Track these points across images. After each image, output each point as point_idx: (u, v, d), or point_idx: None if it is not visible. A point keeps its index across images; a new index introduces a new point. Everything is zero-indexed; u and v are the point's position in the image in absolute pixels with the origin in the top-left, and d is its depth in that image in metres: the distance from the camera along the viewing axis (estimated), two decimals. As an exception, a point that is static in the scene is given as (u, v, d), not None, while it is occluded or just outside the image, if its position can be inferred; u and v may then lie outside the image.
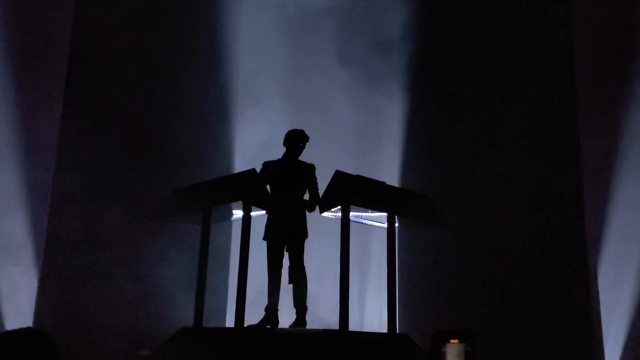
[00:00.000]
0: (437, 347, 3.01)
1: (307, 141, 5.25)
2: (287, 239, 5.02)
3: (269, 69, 7.80)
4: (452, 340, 3.00)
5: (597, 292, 6.59)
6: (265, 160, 5.23)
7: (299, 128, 5.28)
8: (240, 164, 7.37)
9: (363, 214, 5.19)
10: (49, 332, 2.51)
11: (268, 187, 5.09)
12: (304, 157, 5.27)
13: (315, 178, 5.20)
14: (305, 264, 5.05)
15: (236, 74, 7.78)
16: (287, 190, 5.08)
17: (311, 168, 5.20)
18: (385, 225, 5.02)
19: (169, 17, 7.41)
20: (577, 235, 6.71)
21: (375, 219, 5.32)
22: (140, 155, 6.98)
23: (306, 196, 5.16)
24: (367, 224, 5.37)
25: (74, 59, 6.93)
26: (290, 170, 5.13)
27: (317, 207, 5.08)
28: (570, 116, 6.82)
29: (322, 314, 6.54)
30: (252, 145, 7.31)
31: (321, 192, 5.02)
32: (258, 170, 5.02)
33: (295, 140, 5.19)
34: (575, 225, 6.69)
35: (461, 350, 2.98)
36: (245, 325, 4.61)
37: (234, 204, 5.16)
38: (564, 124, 6.85)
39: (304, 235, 5.05)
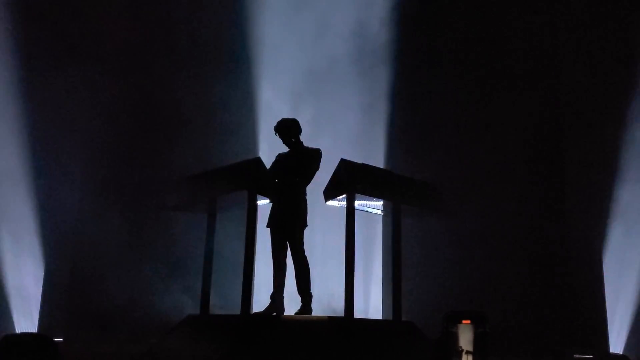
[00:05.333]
0: (449, 328, 2.99)
1: (289, 127, 5.12)
2: (286, 227, 5.02)
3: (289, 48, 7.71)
4: (464, 321, 2.98)
5: (602, 278, 6.62)
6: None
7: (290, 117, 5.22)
8: (265, 148, 7.31)
9: (368, 202, 5.18)
10: (54, 340, 2.56)
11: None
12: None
13: (315, 161, 5.06)
14: (309, 252, 5.06)
15: (260, 55, 7.72)
16: (286, 180, 5.08)
17: (315, 153, 5.09)
18: (382, 212, 5.02)
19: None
20: (579, 224, 6.76)
21: (380, 208, 5.33)
22: (157, 144, 7.01)
23: None
24: (372, 213, 5.37)
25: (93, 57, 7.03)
26: (290, 159, 5.13)
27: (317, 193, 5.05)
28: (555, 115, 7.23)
29: (328, 301, 6.56)
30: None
31: (325, 181, 4.99)
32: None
33: (280, 130, 5.15)
34: (577, 214, 6.75)
35: (473, 331, 2.96)
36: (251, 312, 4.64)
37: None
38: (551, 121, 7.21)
39: (302, 224, 5.03)
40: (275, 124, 5.19)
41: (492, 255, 6.92)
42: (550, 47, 7.44)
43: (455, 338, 2.96)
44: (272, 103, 7.49)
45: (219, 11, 7.67)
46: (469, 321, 2.97)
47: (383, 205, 5.26)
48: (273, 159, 5.26)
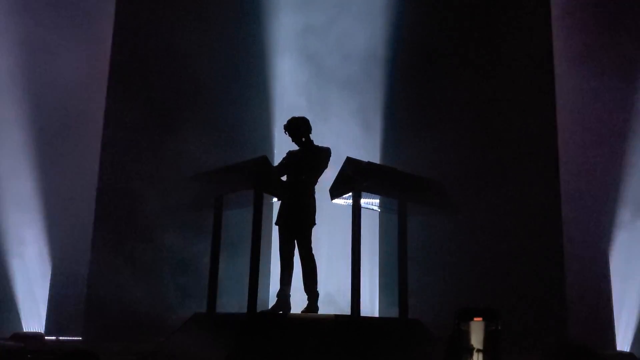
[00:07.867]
0: (460, 325, 2.92)
1: (298, 126, 5.12)
2: (294, 225, 5.03)
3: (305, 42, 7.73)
4: (476, 318, 2.91)
5: (608, 276, 6.60)
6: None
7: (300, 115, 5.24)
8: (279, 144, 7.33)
9: (374, 200, 5.19)
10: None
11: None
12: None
13: (324, 159, 5.06)
14: (316, 250, 5.07)
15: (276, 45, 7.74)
16: (295, 178, 5.09)
17: (324, 151, 5.09)
18: (378, 209, 5.03)
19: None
20: (585, 220, 6.74)
21: (377, 204, 5.33)
22: (169, 143, 7.05)
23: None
24: (376, 210, 5.37)
25: (116, 48, 7.06)
26: (299, 158, 5.13)
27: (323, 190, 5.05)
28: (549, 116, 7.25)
29: (334, 299, 6.57)
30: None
31: (331, 179, 4.99)
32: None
33: (289, 129, 5.16)
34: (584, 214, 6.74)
35: (485, 329, 2.89)
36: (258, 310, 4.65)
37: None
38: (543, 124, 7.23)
39: (310, 222, 5.03)
40: (285, 123, 5.21)
41: (496, 252, 6.91)
42: (548, 46, 7.45)
43: (466, 335, 2.89)
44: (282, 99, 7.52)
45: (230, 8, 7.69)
46: (480, 318, 2.91)
47: (380, 201, 5.27)
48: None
